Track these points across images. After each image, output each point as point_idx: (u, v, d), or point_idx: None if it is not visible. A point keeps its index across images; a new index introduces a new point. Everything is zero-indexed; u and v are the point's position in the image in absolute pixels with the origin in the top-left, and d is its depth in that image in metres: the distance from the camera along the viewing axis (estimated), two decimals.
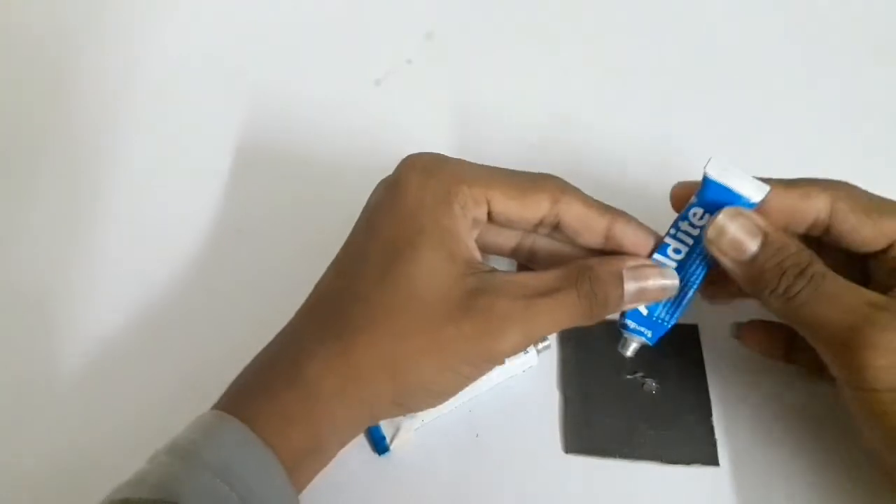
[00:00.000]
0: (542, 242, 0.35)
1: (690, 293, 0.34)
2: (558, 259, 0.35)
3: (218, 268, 0.42)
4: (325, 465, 0.32)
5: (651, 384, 0.38)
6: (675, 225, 0.34)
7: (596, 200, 0.34)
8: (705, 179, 0.33)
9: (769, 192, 0.32)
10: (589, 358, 0.39)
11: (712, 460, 0.36)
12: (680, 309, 0.34)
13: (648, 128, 0.47)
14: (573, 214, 0.33)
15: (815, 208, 0.32)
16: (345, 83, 0.49)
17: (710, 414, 0.37)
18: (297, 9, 0.53)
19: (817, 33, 0.51)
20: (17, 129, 0.48)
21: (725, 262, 0.32)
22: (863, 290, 0.30)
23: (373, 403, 0.31)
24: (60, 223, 0.44)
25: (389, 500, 0.35)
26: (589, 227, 0.33)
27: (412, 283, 0.30)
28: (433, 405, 0.33)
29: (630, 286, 0.32)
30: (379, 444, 0.36)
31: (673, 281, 0.33)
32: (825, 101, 0.48)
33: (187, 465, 0.28)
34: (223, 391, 0.32)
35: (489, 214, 0.33)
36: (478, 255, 0.32)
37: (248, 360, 0.33)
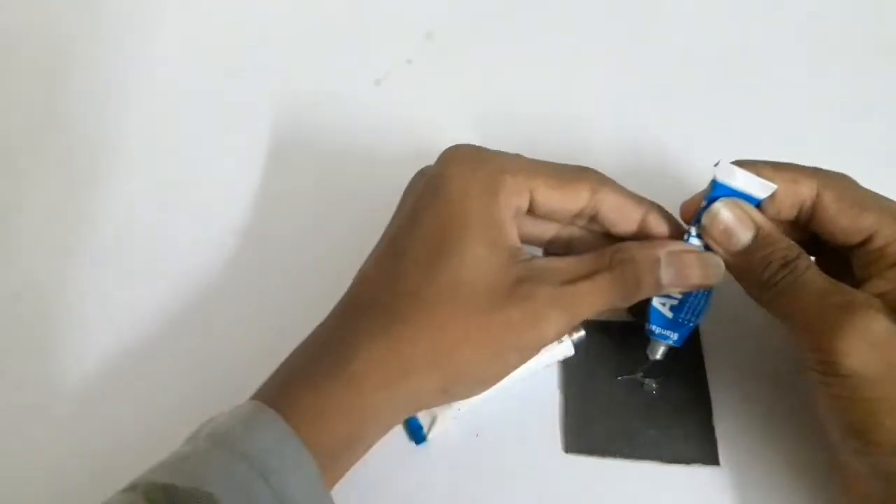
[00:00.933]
0: (579, 233, 0.36)
1: (710, 294, 0.34)
2: (594, 250, 0.35)
3: (217, 267, 0.42)
4: (362, 455, 0.32)
5: (651, 384, 0.38)
6: (688, 231, 0.34)
7: (631, 192, 0.34)
8: (713, 181, 0.34)
9: (776, 191, 0.33)
10: (589, 358, 0.39)
11: (712, 460, 0.36)
12: (702, 309, 0.34)
13: (650, 126, 0.47)
14: (611, 205, 0.34)
15: (802, 194, 0.33)
16: (345, 83, 0.49)
17: (710, 414, 0.37)
18: (297, 9, 0.53)
19: (818, 32, 0.51)
20: (19, 130, 0.48)
21: (719, 251, 0.33)
22: (842, 284, 0.31)
23: (419, 395, 0.32)
24: (62, 225, 0.44)
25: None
26: (625, 218, 0.34)
27: (459, 274, 0.31)
28: (478, 393, 0.34)
29: (667, 271, 0.32)
30: (416, 434, 0.36)
31: (717, 263, 0.33)
32: (827, 100, 0.48)
33: (224, 454, 0.28)
34: (244, 390, 0.32)
35: (530, 205, 0.33)
36: (518, 243, 0.33)
37: (260, 363, 0.33)
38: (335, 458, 0.31)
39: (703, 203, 0.34)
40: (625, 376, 0.38)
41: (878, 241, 0.32)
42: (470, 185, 0.32)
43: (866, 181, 0.35)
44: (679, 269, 0.33)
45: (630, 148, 0.46)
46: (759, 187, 0.33)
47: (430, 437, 0.36)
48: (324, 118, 0.48)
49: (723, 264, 0.33)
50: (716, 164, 0.33)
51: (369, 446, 0.32)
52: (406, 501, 0.35)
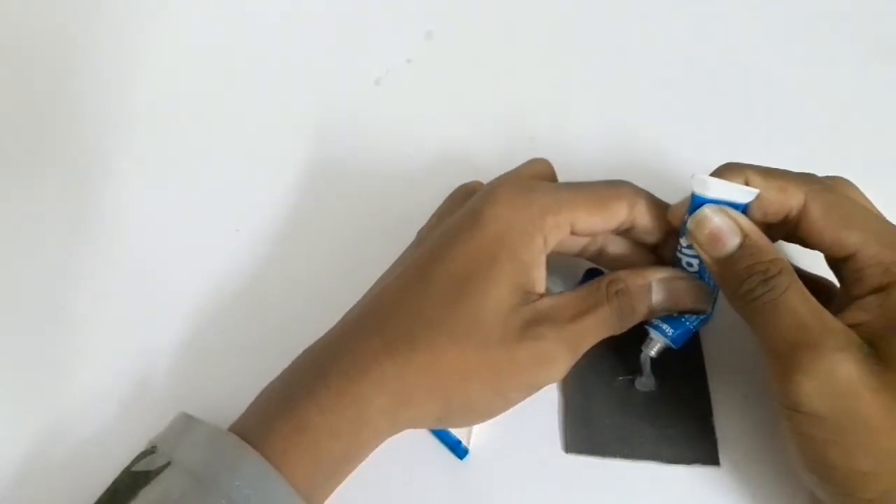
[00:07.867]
0: (610, 242, 0.36)
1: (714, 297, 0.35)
2: (624, 257, 0.37)
3: (217, 266, 0.42)
4: (355, 468, 0.33)
5: (651, 384, 0.38)
6: (678, 243, 0.34)
7: (662, 201, 0.35)
8: (693, 196, 0.33)
9: (758, 195, 0.33)
10: (588, 358, 0.38)
11: (713, 460, 0.36)
12: (705, 317, 0.35)
13: (648, 125, 0.47)
14: (645, 219, 0.34)
15: (789, 204, 0.33)
16: (344, 82, 0.49)
17: (710, 414, 0.37)
18: (297, 7, 0.53)
19: (818, 31, 0.51)
20: (20, 133, 0.48)
21: (703, 255, 0.33)
22: (822, 311, 0.30)
23: (417, 420, 0.33)
24: (64, 226, 0.44)
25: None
26: (658, 228, 0.35)
27: (479, 313, 0.32)
28: (473, 424, 0.35)
29: (658, 297, 0.33)
30: (457, 449, 0.36)
31: (707, 291, 0.34)
32: (826, 101, 0.48)
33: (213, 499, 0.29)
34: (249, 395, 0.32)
35: (571, 229, 0.34)
36: (540, 286, 0.33)
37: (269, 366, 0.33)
38: (332, 474, 0.32)
39: (686, 217, 0.33)
40: (624, 376, 0.38)
41: (859, 262, 0.32)
42: (508, 228, 0.33)
43: (865, 182, 0.35)
44: (669, 295, 0.34)
45: (627, 147, 0.46)
46: (738, 193, 0.32)
47: (471, 449, 0.36)
48: (323, 116, 0.48)
49: (710, 289, 0.34)
50: (692, 177, 0.33)
51: (363, 459, 0.33)
52: (402, 496, 0.35)
